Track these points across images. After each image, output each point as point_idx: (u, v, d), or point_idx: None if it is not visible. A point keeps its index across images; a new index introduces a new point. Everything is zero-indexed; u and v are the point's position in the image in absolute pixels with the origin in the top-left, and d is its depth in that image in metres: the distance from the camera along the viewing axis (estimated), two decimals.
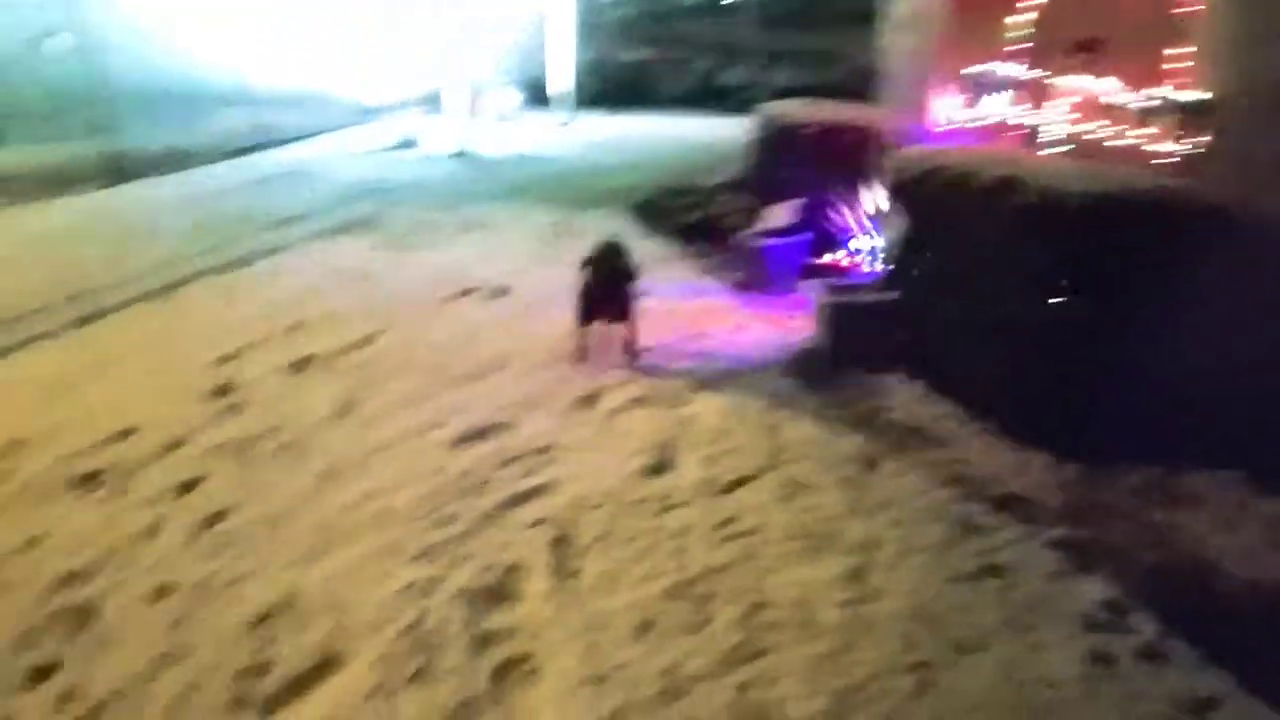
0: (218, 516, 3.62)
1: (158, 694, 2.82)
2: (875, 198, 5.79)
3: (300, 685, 2.88)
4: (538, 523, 3.59)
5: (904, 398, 4.60)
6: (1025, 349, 4.11)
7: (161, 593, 3.21)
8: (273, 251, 6.87)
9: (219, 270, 6.37)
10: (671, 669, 2.90)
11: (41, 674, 2.88)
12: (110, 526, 3.53)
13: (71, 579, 3.26)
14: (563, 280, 5.35)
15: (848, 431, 4.29)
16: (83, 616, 3.10)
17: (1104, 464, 3.96)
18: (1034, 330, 4.06)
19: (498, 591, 3.23)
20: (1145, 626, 3.13)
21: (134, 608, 3.15)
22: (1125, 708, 2.85)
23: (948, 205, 4.57)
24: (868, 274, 5.65)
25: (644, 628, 3.06)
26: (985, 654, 3.01)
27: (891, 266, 5.16)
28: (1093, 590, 3.31)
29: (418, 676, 2.91)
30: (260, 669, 2.92)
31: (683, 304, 5.86)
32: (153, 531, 3.52)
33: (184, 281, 6.13)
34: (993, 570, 3.39)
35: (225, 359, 4.92)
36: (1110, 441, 3.93)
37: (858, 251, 5.94)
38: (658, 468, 3.98)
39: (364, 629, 3.07)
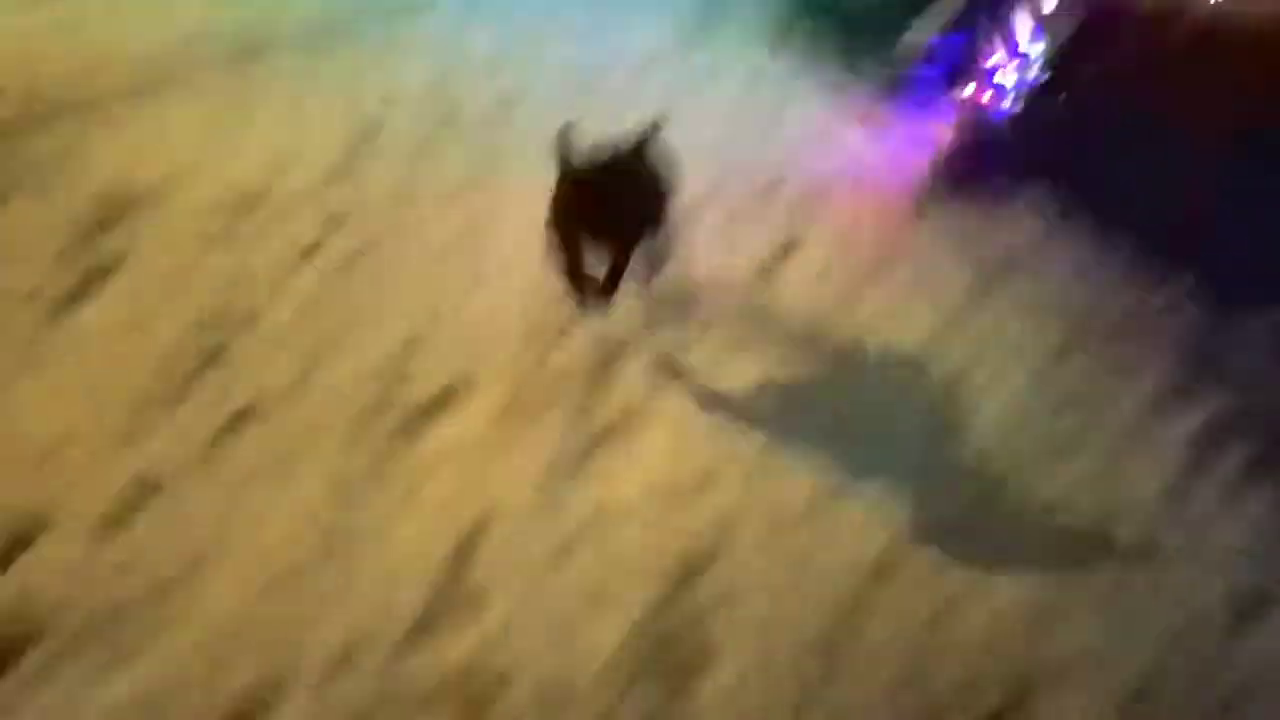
0: (370, 247, 3.85)
1: (306, 396, 3.15)
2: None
3: (435, 405, 3.17)
4: None
5: (1029, 220, 4.44)
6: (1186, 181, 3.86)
7: (315, 309, 3.51)
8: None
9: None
10: None
11: (210, 358, 3.22)
12: (270, 248, 3.80)
13: (231, 284, 3.56)
14: None
15: (955, 252, 4.19)
16: (248, 319, 3.43)
17: (1236, 305, 3.88)
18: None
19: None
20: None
21: (289, 319, 3.45)
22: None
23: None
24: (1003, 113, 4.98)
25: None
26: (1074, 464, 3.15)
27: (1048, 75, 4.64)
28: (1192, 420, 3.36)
29: (540, 411, 3.16)
30: (400, 382, 3.22)
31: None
32: (309, 254, 3.78)
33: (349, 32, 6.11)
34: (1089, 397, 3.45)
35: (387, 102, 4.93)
36: (1248, 284, 3.83)
37: (1000, 87, 5.29)
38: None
39: (500, 363, 3.32)
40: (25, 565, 2.58)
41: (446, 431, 3.09)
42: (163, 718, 2.30)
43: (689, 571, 2.73)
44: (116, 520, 2.71)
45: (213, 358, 3.25)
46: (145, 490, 2.80)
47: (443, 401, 3.19)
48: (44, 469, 2.81)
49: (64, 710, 2.29)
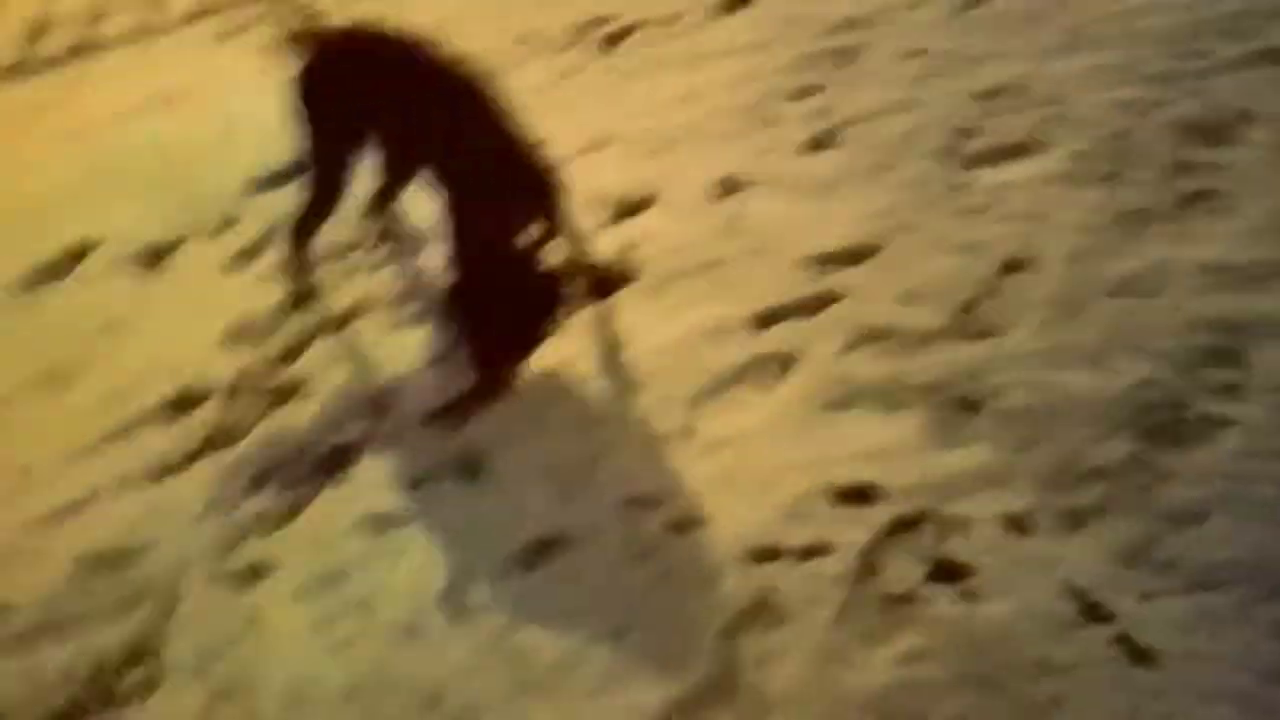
0: (979, 2, 3.89)
1: (884, 131, 3.39)
2: None
3: (1001, 155, 3.23)
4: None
5: None
6: None
7: (913, 54, 3.68)
8: None
9: None
10: None
11: (804, 92, 3.58)
12: None
13: (845, 26, 3.84)
14: None
15: None
16: (847, 57, 3.71)
17: None
18: None
19: (1213, 131, 3.17)
20: None
21: (888, 60, 3.67)
22: None
23: None
24: None
25: None
26: None
27: None
28: None
29: (1107, 178, 3.08)
30: (972, 133, 3.32)
31: None
32: (918, 4, 3.93)
33: None
34: None
35: None
36: None
37: None
38: None
39: (1075, 125, 3.27)
40: (632, 226, 3.21)
41: None
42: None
43: None
44: (707, 201, 3.23)
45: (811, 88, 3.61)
46: (734, 185, 3.28)
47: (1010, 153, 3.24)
48: (658, 158, 3.41)
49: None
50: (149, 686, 2.02)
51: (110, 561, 2.31)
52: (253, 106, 3.69)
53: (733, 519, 2.33)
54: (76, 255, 2.98)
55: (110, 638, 2.10)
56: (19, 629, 2.13)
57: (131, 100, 4.42)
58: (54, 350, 2.73)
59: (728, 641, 2.11)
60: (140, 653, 2.08)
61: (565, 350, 2.77)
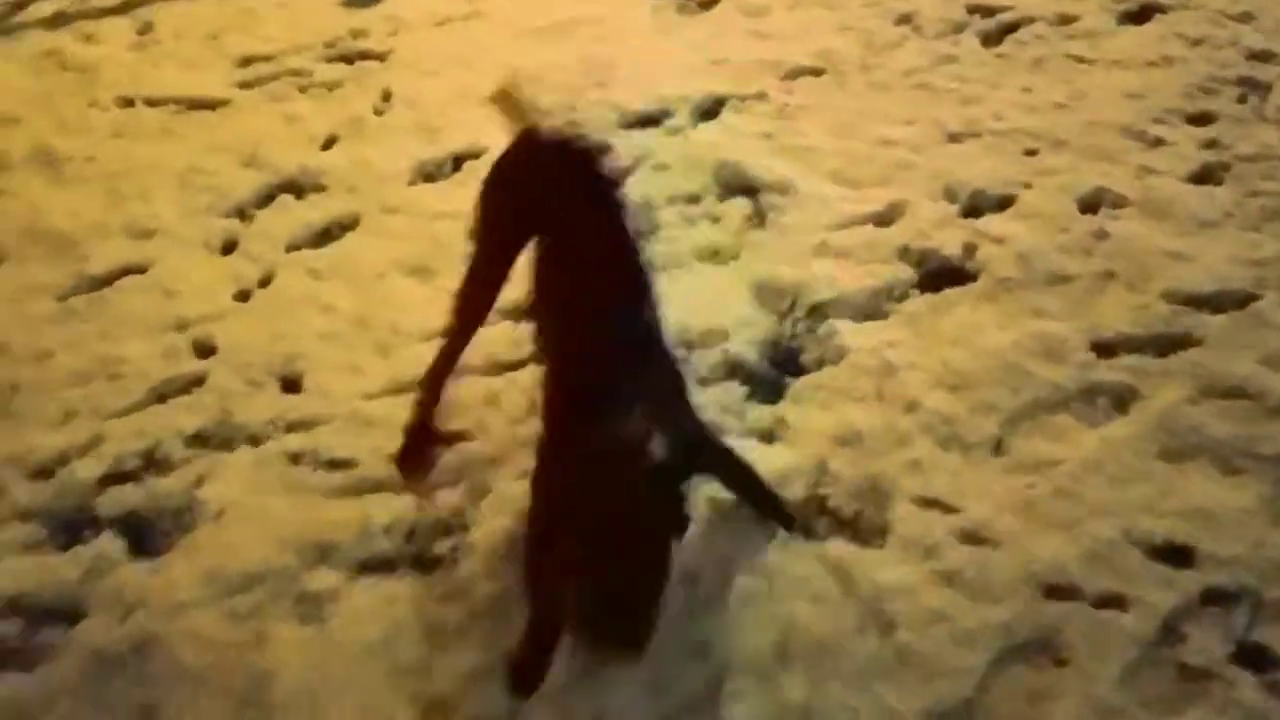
0: None
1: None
2: None
3: None
4: None
5: None
6: None
7: None
8: None
9: None
10: None
11: (1198, 120, 3.29)
12: None
13: (1258, 58, 3.49)
14: None
15: None
16: (1254, 90, 3.37)
17: None
18: None
19: None
20: None
21: None
22: None
23: None
24: None
25: None
26: None
27: None
28: None
29: None
30: None
31: None
32: None
33: None
34: None
35: None
36: None
37: None
38: None
39: None
40: (985, 223, 3.06)
41: None
42: None
43: None
44: (1069, 212, 3.05)
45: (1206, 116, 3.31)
46: (1102, 201, 3.07)
47: None
48: (1026, 159, 3.24)
49: None
50: (454, 558, 2.21)
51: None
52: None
53: (1029, 546, 2.23)
54: (461, 158, 3.23)
55: (428, 509, 2.31)
56: (355, 481, 2.39)
57: None
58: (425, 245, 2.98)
59: (998, 667, 2.04)
60: (450, 527, 2.28)
61: (887, 335, 2.72)
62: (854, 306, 2.80)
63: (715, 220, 3.05)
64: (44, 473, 2.40)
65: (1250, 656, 2.04)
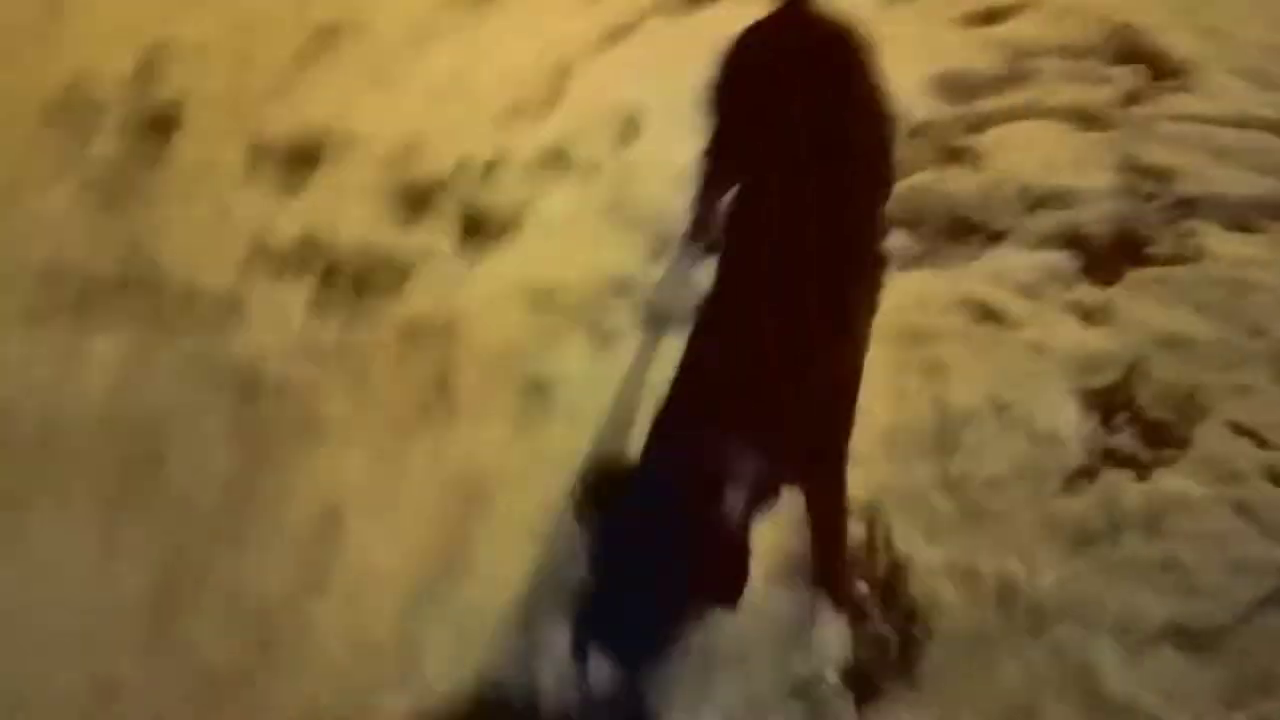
0: None
1: None
2: None
3: None
4: None
5: None
6: None
7: None
8: None
9: None
10: None
11: None
12: None
13: None
14: None
15: None
16: None
17: None
18: None
19: None
20: None
21: None
22: None
23: None
24: None
25: None
26: None
27: None
28: None
29: None
30: None
31: None
32: None
33: None
34: None
35: None
36: None
37: None
38: None
39: None
40: None
41: None
42: None
43: None
44: None
45: None
46: None
47: None
48: None
49: None
50: None
51: None
52: None
53: None
54: None
55: None
56: None
57: None
58: None
59: (1268, 606, 1.89)
60: None
61: (1254, 251, 2.45)
62: (1227, 212, 2.54)
63: (1099, 82, 2.80)
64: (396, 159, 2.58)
65: None
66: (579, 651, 1.76)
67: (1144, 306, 2.37)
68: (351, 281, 2.31)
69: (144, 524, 1.86)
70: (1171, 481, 2.07)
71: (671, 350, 1.99)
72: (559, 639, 1.80)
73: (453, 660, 1.76)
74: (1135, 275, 2.44)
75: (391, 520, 1.92)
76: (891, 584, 1.91)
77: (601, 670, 1.76)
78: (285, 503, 1.92)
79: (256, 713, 1.69)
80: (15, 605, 1.78)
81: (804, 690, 1.77)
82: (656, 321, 2.25)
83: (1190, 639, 1.85)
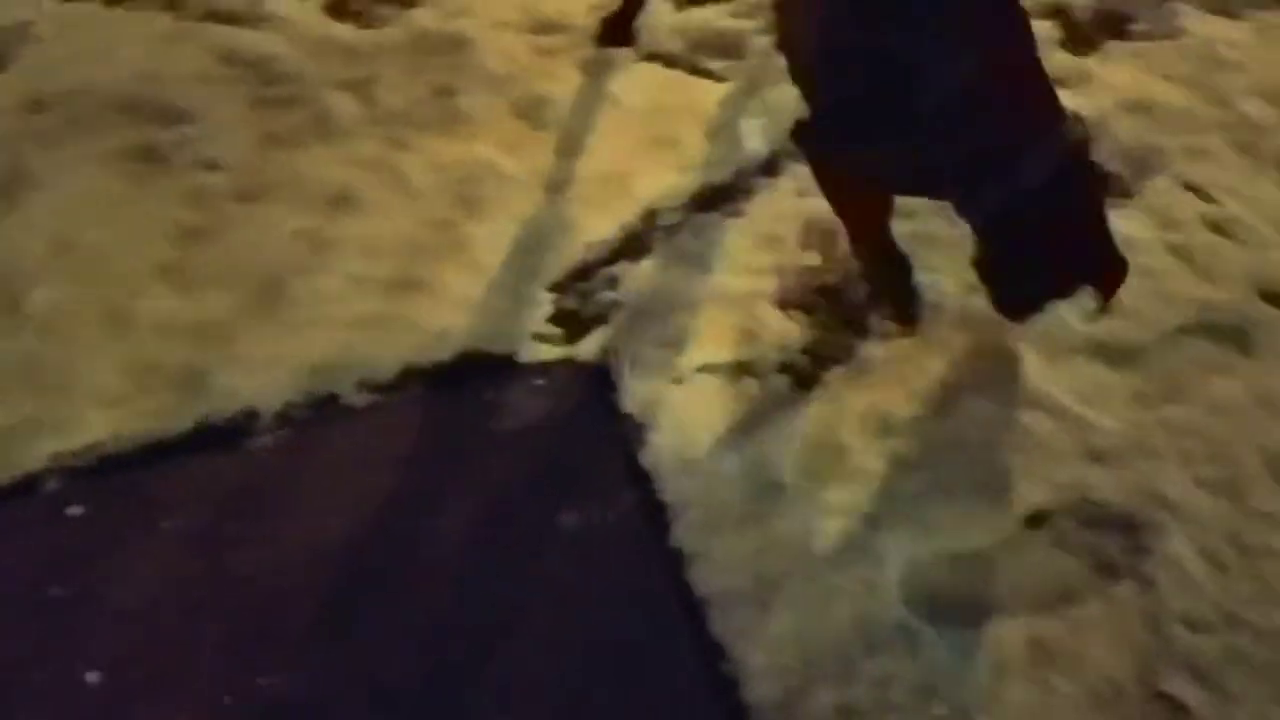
0: None
1: None
2: None
3: None
4: None
5: None
6: None
7: None
8: None
9: None
10: None
11: None
12: None
13: None
14: None
15: None
16: None
17: None
18: None
19: None
20: None
21: None
22: None
23: None
24: None
25: None
26: None
27: None
28: None
29: None
30: None
31: None
32: None
33: None
34: None
35: None
36: None
37: None
38: None
39: None
40: None
41: None
42: None
43: None
44: None
45: None
46: None
47: None
48: None
49: None
50: None
51: None
52: None
53: (1270, 252, 2.18)
54: None
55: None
56: None
57: None
58: None
59: (1184, 333, 2.05)
60: None
61: (1230, 34, 2.55)
62: None
63: None
64: None
65: None
66: None
67: (1116, 74, 2.49)
68: None
69: (166, 184, 2.05)
70: (1114, 223, 2.21)
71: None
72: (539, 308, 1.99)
73: (441, 326, 1.94)
74: (1113, 46, 2.55)
75: (390, 208, 2.08)
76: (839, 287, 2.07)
77: None
78: (295, 185, 2.09)
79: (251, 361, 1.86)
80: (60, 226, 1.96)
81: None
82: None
83: (1109, 352, 2.02)
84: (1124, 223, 2.17)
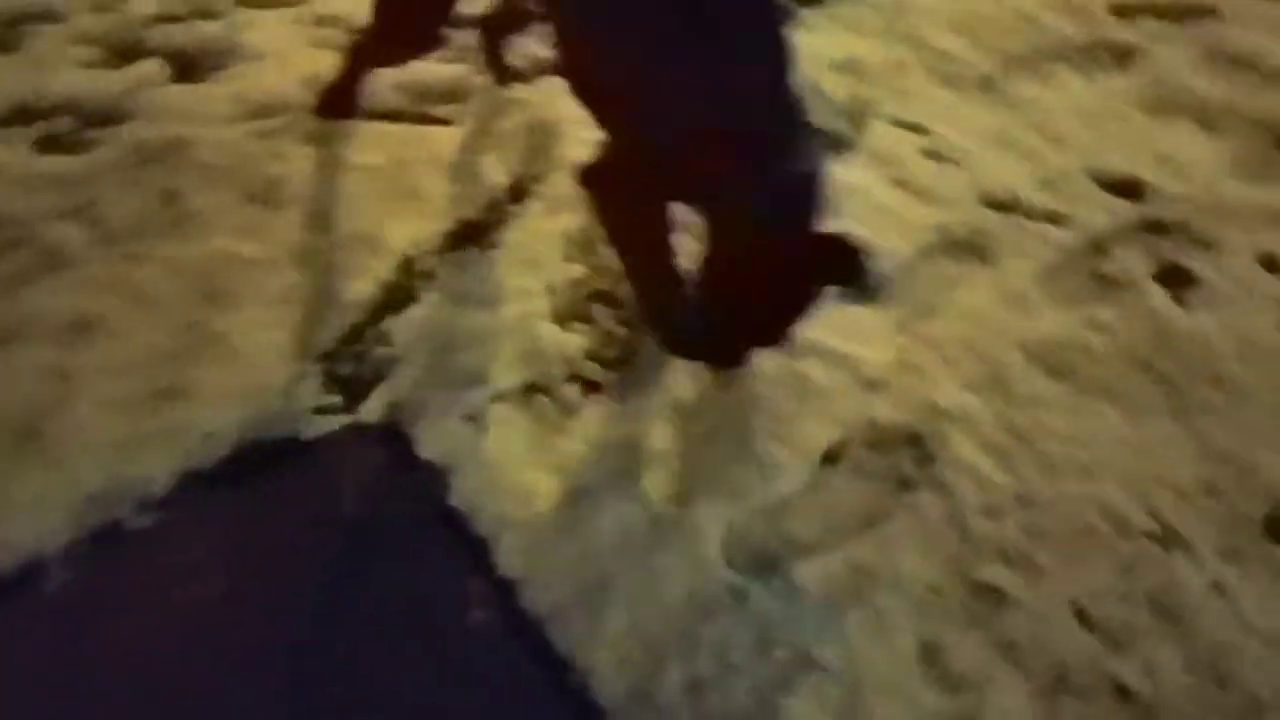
0: None
1: None
2: None
3: None
4: None
5: None
6: None
7: None
8: None
9: None
10: None
11: None
12: None
13: None
14: None
15: None
16: None
17: None
18: None
19: None
20: None
21: None
22: None
23: None
24: None
25: None
26: None
27: None
28: None
29: None
30: None
31: None
32: None
33: None
34: None
35: None
36: None
37: None
38: None
39: None
40: None
41: None
42: None
43: None
44: None
45: None
46: None
47: None
48: None
49: None
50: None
51: None
52: None
53: (986, 167, 2.35)
54: None
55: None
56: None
57: None
58: None
59: (925, 256, 2.19)
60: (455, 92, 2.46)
61: None
62: None
63: None
64: (103, 6, 2.62)
65: (1171, 277, 2.16)
66: None
67: (816, 40, 2.64)
68: (74, 121, 2.35)
69: None
70: (847, 175, 2.34)
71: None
72: (312, 381, 1.95)
73: (210, 427, 1.87)
74: (808, 14, 2.71)
75: (133, 323, 2.00)
76: (610, 290, 2.12)
77: None
78: (32, 323, 1.98)
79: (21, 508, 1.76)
80: None
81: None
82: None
83: (863, 291, 2.13)
84: (850, 171, 2.32)
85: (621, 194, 1.81)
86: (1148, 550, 1.75)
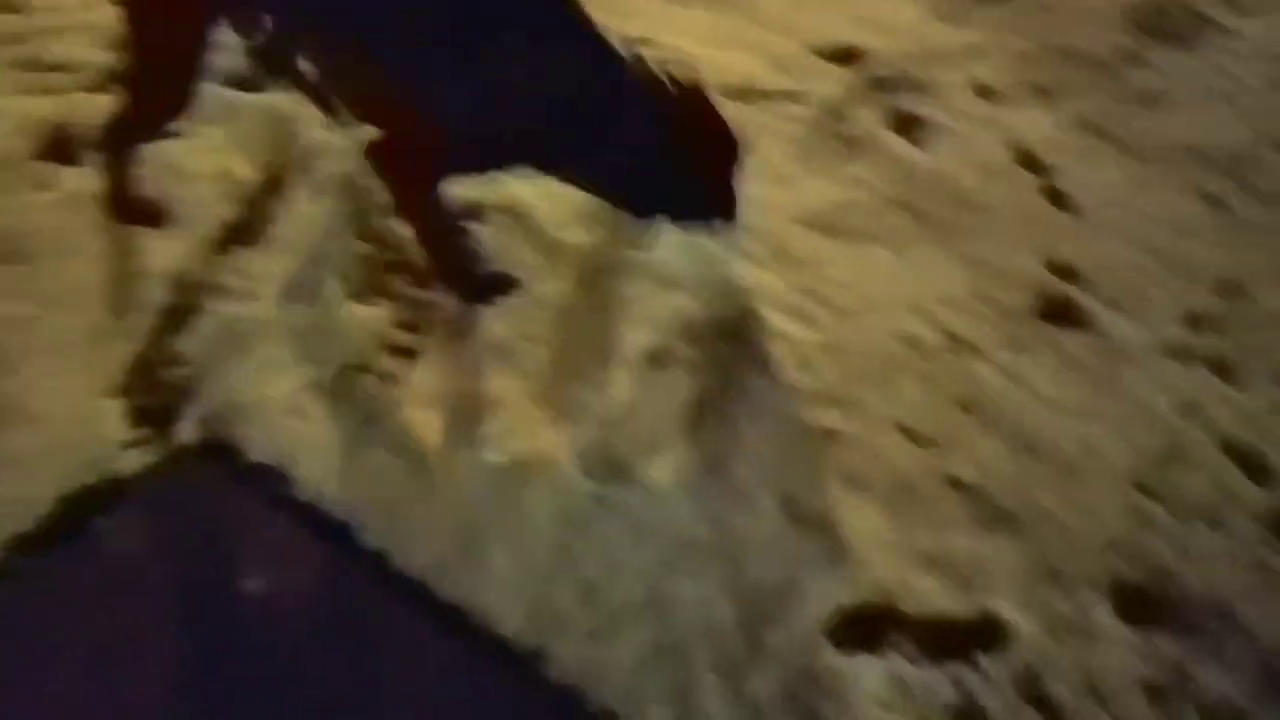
0: None
1: None
2: None
3: None
4: None
5: None
6: None
7: None
8: None
9: None
10: None
11: None
12: None
13: None
14: None
15: None
16: None
17: None
18: None
19: None
20: None
21: None
22: None
23: None
24: None
25: None
26: None
27: None
28: None
29: None
30: None
31: None
32: None
33: None
34: None
35: None
36: None
37: None
38: None
39: None
40: None
41: None
42: None
43: None
44: None
45: None
46: None
47: None
48: None
49: None
50: None
51: None
52: None
53: (717, 62, 2.47)
54: None
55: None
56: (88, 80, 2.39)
57: None
58: None
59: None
60: None
61: None
62: None
63: None
64: None
65: (904, 124, 2.36)
66: None
67: None
68: None
69: None
70: None
71: None
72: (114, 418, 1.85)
73: (16, 493, 1.75)
74: None
75: None
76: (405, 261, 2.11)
77: None
78: None
79: None
80: None
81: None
82: None
83: None
84: None
85: (407, 164, 1.91)
86: (945, 361, 1.94)
